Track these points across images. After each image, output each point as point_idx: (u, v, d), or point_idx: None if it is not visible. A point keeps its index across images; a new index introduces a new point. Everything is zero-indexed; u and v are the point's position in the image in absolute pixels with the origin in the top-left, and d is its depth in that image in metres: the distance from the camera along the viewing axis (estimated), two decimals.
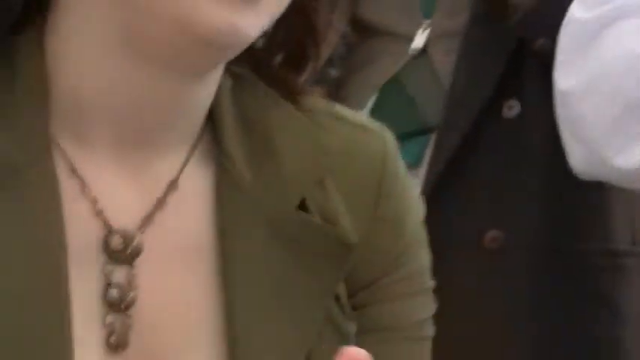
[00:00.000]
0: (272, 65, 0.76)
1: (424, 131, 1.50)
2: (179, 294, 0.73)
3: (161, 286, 0.72)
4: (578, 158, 1.31)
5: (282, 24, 0.71)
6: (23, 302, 0.68)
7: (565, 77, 1.26)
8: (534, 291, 1.51)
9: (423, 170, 1.45)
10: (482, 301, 1.51)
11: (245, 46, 0.65)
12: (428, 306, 0.78)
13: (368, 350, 0.62)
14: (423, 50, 1.48)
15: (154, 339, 0.72)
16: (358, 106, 1.43)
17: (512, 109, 1.46)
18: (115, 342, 0.69)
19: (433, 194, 1.40)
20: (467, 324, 1.48)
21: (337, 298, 0.75)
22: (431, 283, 0.80)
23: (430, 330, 0.78)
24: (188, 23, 0.63)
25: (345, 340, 0.74)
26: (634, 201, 1.46)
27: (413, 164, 1.42)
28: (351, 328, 0.75)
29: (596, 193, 1.46)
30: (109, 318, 0.69)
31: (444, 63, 1.48)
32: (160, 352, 0.72)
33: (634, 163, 1.24)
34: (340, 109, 0.81)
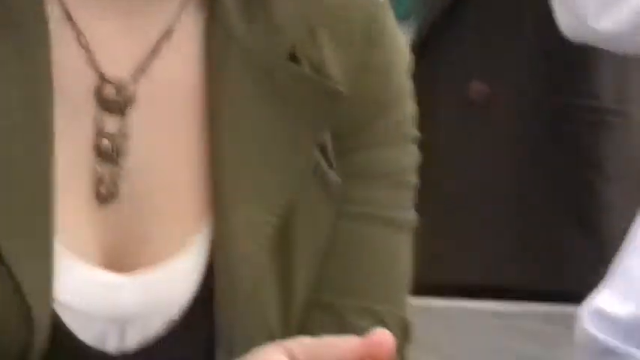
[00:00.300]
0: None
1: (408, 13, 1.59)
2: (168, 142, 0.75)
3: (151, 135, 0.74)
4: (566, 23, 1.44)
5: None
6: (9, 138, 0.70)
7: None
8: (519, 147, 1.60)
9: (413, 23, 1.53)
10: (467, 158, 1.59)
11: None
12: (413, 154, 0.81)
13: (352, 229, 0.76)
14: None
15: (142, 187, 0.74)
16: None
17: None
18: (105, 192, 0.72)
19: (422, 45, 1.50)
20: (452, 182, 1.56)
21: (323, 149, 0.78)
22: (415, 132, 0.82)
23: (414, 178, 0.81)
24: None
25: (330, 190, 0.78)
26: (621, 62, 1.58)
27: (403, 17, 1.50)
28: (337, 178, 0.78)
29: (584, 53, 1.57)
30: (99, 167, 0.72)
31: None
32: (147, 199, 0.75)
33: (617, 26, 1.39)
34: None
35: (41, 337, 0.71)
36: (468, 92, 1.58)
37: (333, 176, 0.79)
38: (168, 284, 0.74)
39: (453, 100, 1.61)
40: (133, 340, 0.74)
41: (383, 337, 0.62)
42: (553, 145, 1.60)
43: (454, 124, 1.64)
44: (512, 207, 1.60)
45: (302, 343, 0.64)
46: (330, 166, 0.79)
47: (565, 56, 1.60)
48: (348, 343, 0.63)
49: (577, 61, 1.59)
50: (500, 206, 1.62)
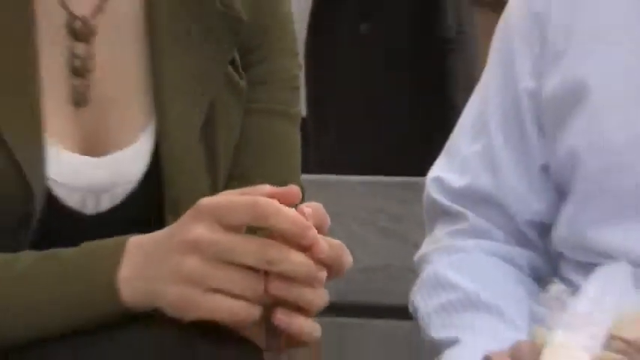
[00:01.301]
0: None
1: None
2: (121, 60, 0.99)
3: (109, 55, 0.98)
4: None
5: None
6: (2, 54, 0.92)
7: None
8: (396, 71, 2.00)
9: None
10: (358, 81, 1.96)
11: None
12: (298, 66, 1.10)
13: (258, 121, 1.01)
14: None
15: (105, 94, 0.98)
16: None
17: None
18: (78, 98, 0.96)
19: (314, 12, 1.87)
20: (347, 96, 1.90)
21: (233, 63, 1.03)
22: (297, 49, 1.09)
23: (298, 83, 1.10)
24: None
25: (240, 94, 1.04)
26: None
27: None
28: (244, 85, 1.05)
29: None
30: (73, 81, 0.95)
31: None
32: (108, 102, 0.99)
33: None
34: None
35: (38, 206, 0.94)
36: (359, 31, 1.90)
37: (242, 83, 1.04)
38: (127, 164, 0.98)
39: (347, 38, 1.94)
40: (105, 204, 0.98)
41: (292, 187, 0.86)
42: (420, 68, 2.01)
43: (347, 55, 1.96)
44: (389, 111, 1.95)
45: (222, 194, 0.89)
46: (239, 76, 1.04)
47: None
48: (260, 188, 0.86)
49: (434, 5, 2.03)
50: (384, 113, 1.98)
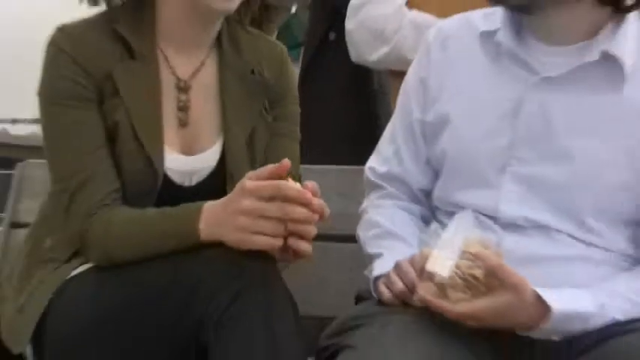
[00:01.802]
0: (242, 17, 1.49)
1: (299, 45, 2.44)
2: (204, 103, 1.46)
3: (198, 100, 1.46)
4: (353, 55, 2.27)
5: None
6: (143, 106, 1.38)
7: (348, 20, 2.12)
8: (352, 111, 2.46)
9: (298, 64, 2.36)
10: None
11: (231, 12, 1.43)
12: (298, 113, 1.55)
13: (274, 141, 1.49)
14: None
15: (196, 120, 1.45)
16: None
17: (332, 36, 2.37)
18: (181, 123, 1.44)
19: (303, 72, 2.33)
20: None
21: (265, 107, 1.52)
22: (298, 106, 1.56)
23: (299, 120, 1.53)
24: (206, 7, 1.39)
25: (268, 125, 1.50)
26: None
27: (294, 46, 2.41)
28: (271, 120, 1.51)
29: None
30: (179, 114, 1.45)
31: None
32: (198, 125, 1.46)
33: (380, 58, 2.17)
34: (266, 34, 1.54)
35: (159, 182, 1.41)
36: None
37: (269, 119, 1.52)
38: (207, 159, 1.47)
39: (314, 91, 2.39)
40: (195, 181, 1.45)
41: (284, 161, 1.23)
42: (364, 108, 2.43)
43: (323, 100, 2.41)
44: (347, 132, 2.42)
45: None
46: (267, 114, 1.52)
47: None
48: (268, 167, 1.24)
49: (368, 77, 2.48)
50: (343, 133, 2.42)
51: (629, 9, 1.42)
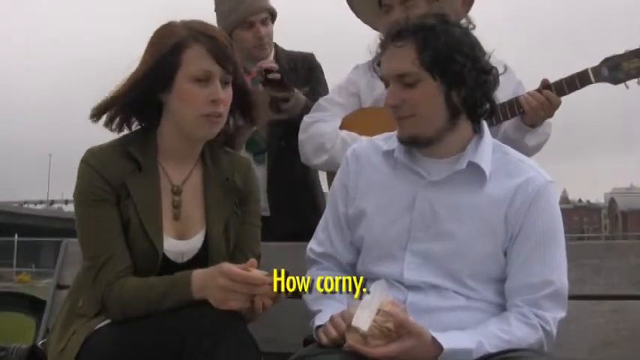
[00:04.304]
0: (219, 139, 1.97)
1: (263, 151, 2.90)
2: (192, 202, 1.95)
3: (188, 201, 1.95)
4: (302, 158, 2.70)
5: (227, 124, 1.96)
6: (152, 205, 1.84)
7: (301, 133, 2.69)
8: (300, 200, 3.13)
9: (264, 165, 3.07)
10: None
11: (213, 137, 1.96)
12: (260, 211, 2.05)
13: (242, 228, 1.96)
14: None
15: (186, 214, 1.93)
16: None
17: (283, 143, 2.96)
18: (175, 217, 1.92)
19: (270, 172, 2.82)
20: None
21: (236, 205, 2.00)
22: (260, 204, 2.06)
23: (260, 215, 2.03)
24: (194, 134, 1.92)
25: (238, 217, 1.98)
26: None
27: (258, 152, 2.90)
28: (240, 213, 1.98)
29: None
30: (173, 210, 1.93)
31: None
32: (188, 218, 1.93)
33: (322, 163, 2.64)
34: (238, 153, 2.09)
35: (159, 260, 1.86)
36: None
37: (239, 212, 1.99)
38: (195, 243, 1.92)
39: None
40: (185, 259, 1.90)
41: (252, 261, 1.72)
42: (305, 200, 3.07)
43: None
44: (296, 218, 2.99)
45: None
46: (238, 209, 1.99)
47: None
48: (249, 262, 1.72)
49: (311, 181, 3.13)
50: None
51: (479, 118, 1.87)
